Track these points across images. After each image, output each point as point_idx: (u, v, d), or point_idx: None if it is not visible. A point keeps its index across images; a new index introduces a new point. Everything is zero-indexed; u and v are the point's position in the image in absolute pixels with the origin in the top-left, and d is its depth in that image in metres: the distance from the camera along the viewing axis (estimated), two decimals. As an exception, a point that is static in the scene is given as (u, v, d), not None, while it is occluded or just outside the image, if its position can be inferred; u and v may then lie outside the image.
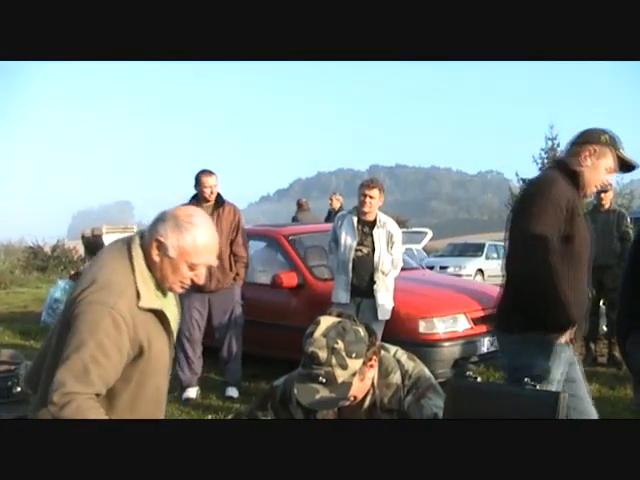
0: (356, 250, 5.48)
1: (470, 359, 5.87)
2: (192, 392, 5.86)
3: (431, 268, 19.45)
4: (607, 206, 6.87)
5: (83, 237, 22.09)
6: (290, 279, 6.39)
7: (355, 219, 5.56)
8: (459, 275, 18.57)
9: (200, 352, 5.94)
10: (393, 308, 5.53)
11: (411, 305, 5.78)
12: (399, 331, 5.57)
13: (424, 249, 25.60)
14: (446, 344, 5.68)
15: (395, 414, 2.20)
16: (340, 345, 2.06)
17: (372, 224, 5.54)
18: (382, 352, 2.26)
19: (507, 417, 1.59)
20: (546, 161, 34.81)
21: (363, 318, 5.42)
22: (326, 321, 2.12)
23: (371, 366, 2.17)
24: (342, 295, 5.49)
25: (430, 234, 25.19)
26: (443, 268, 19.73)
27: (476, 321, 5.95)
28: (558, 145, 31.67)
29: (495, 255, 22.23)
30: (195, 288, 5.86)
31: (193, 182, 5.91)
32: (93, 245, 18.97)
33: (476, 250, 22.30)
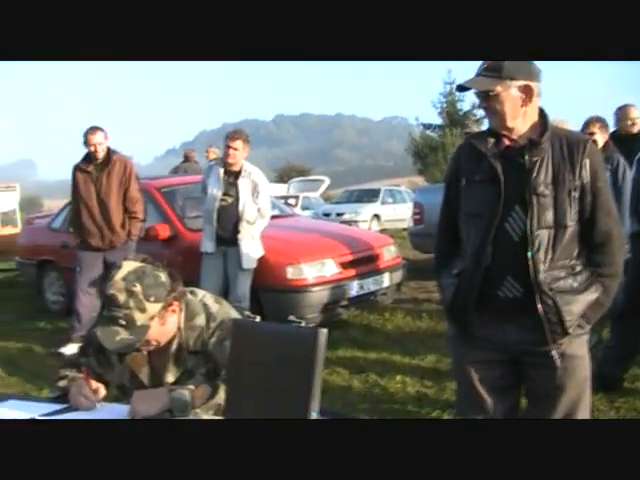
0: (221, 200, 5.53)
1: (340, 303, 6.08)
2: (71, 349, 5.80)
3: (328, 215, 19.75)
4: None
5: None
6: (163, 231, 6.40)
7: (222, 170, 5.61)
8: (355, 222, 18.85)
9: (93, 310, 5.83)
10: (262, 256, 5.64)
11: (279, 252, 5.88)
12: (268, 278, 5.69)
13: (323, 197, 25.83)
14: (315, 289, 5.82)
15: (201, 356, 2.29)
16: (138, 288, 2.11)
17: (238, 174, 5.59)
18: (189, 296, 2.33)
19: (274, 351, 1.70)
20: (445, 106, 35.15)
21: (229, 267, 5.52)
22: (128, 265, 2.16)
23: (173, 311, 2.23)
24: (208, 244, 5.55)
25: (327, 181, 25.38)
26: (339, 215, 19.99)
27: (345, 265, 6.13)
28: (457, 89, 31.75)
29: (390, 200, 22.63)
30: (89, 247, 5.91)
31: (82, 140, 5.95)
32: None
33: (372, 196, 22.67)
